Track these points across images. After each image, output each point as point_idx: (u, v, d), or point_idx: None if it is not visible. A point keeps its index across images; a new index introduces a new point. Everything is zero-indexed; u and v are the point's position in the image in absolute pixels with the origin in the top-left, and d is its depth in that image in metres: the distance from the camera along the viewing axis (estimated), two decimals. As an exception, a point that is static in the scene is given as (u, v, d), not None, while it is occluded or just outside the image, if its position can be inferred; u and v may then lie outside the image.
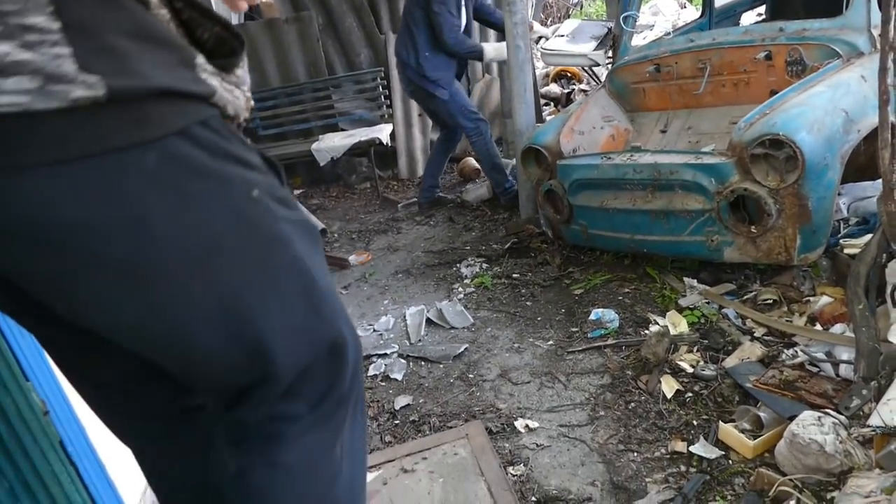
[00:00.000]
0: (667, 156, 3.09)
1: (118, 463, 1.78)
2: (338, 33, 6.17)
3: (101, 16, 0.79)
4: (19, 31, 0.73)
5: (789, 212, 2.75)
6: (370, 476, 1.88)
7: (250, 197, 0.92)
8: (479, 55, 4.56)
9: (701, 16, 4.61)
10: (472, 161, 5.79)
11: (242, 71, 0.97)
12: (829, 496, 1.88)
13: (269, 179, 0.98)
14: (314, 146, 5.70)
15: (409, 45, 4.48)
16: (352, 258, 4.54)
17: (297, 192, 5.55)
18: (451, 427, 2.49)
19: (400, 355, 3.26)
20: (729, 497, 2.08)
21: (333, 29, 6.15)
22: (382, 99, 6.09)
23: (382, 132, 5.68)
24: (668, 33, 4.12)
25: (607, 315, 3.17)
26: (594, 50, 4.45)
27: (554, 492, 2.24)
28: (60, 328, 0.99)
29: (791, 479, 1.95)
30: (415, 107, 6.01)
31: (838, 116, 2.73)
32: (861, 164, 3.03)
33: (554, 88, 6.91)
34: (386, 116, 6.12)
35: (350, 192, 6.12)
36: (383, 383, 3.09)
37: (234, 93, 0.94)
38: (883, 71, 1.83)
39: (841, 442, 1.89)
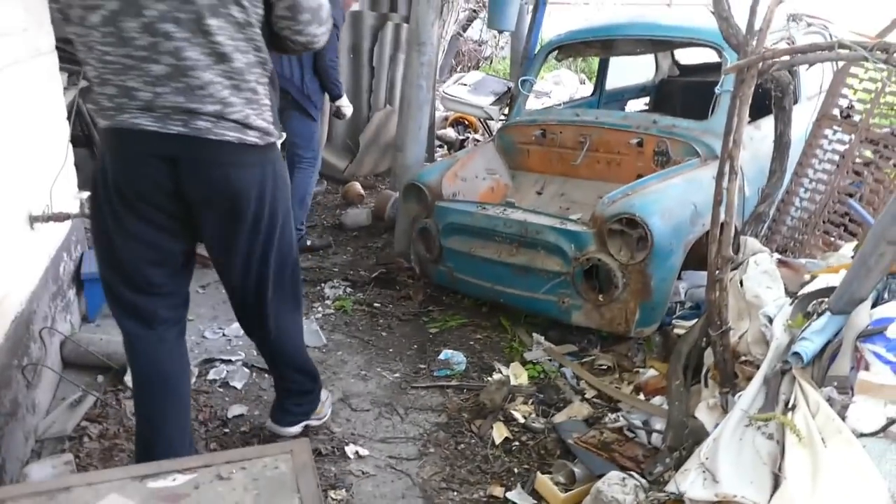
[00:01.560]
0: (536, 216, 3.26)
1: None
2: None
3: (272, 96, 2.10)
4: (257, 106, 2.02)
5: (634, 287, 2.98)
6: (182, 479, 1.83)
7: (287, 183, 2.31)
8: (339, 89, 4.47)
9: (592, 94, 4.94)
10: (357, 186, 5.81)
11: None
12: (620, 553, 2.01)
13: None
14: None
15: (296, 63, 4.37)
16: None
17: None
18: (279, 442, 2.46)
19: (245, 364, 3.19)
20: (532, 544, 2.18)
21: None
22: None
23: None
24: (560, 104, 4.38)
25: (456, 357, 3.26)
26: (491, 104, 4.65)
27: (369, 519, 2.26)
28: (187, 238, 2.20)
29: (590, 534, 2.08)
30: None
31: (688, 208, 3.00)
32: (703, 255, 3.33)
33: (450, 132, 7.11)
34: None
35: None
36: (221, 389, 3.02)
37: None
38: (720, 175, 2.06)
39: (639, 502, 2.04)
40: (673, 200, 2.99)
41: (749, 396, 1.78)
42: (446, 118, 7.45)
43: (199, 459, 1.96)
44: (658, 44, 4.30)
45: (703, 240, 3.14)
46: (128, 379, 2.95)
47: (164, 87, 1.91)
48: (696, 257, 3.22)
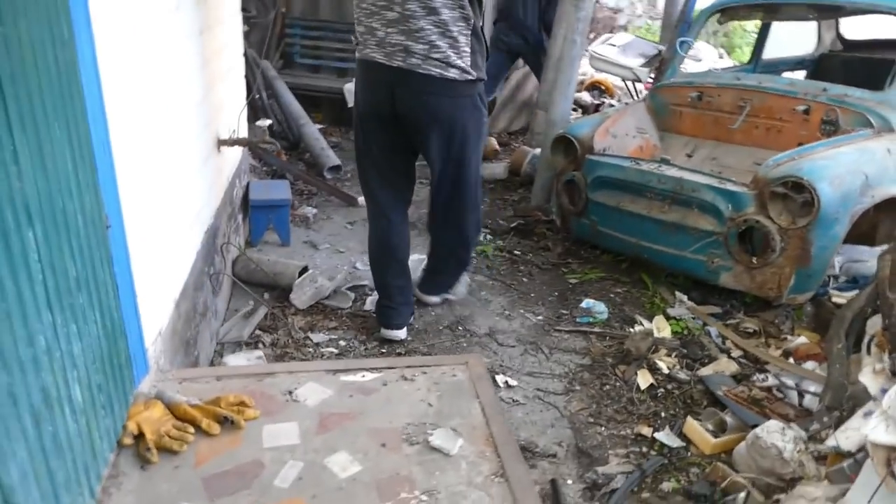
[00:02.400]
0: (693, 174, 3.25)
1: (146, 297, 1.89)
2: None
3: (475, 45, 2.65)
4: (457, 51, 2.61)
5: (791, 252, 2.94)
6: (371, 376, 2.01)
7: (484, 116, 2.88)
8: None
9: (748, 62, 4.79)
10: (492, 141, 5.91)
11: None
12: (775, 497, 2.05)
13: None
14: (347, 86, 5.75)
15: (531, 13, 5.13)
16: (360, 199, 4.63)
17: (318, 126, 5.61)
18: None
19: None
20: (682, 481, 2.25)
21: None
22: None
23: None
24: (716, 70, 4.28)
25: (598, 306, 3.33)
26: (641, 66, 4.60)
27: (522, 442, 2.39)
28: (407, 153, 2.92)
29: (745, 476, 2.13)
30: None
31: (859, 178, 2.91)
32: (862, 231, 3.23)
33: (585, 96, 7.06)
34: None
35: (368, 141, 6.20)
36: (375, 315, 3.21)
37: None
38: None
39: (798, 452, 2.07)
40: (843, 168, 2.91)
41: (936, 354, 1.77)
42: (581, 81, 7.40)
43: (384, 361, 2.16)
44: (829, 10, 4.11)
45: (868, 213, 3.05)
46: (293, 297, 3.22)
47: (393, 29, 2.59)
48: (855, 232, 3.13)
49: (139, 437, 1.66)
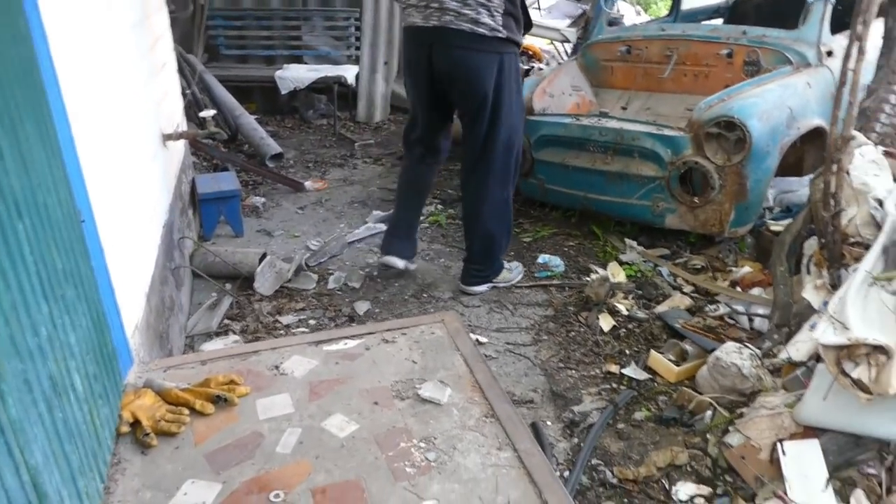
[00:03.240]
0: (631, 124, 3.39)
1: (122, 291, 1.91)
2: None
3: (510, 8, 2.82)
4: (488, 10, 2.78)
5: (730, 188, 3.11)
6: (353, 343, 2.08)
7: (516, 82, 3.03)
8: None
9: (669, 15, 4.96)
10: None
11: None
12: (738, 411, 2.22)
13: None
14: (278, 73, 5.73)
15: None
16: (307, 184, 4.65)
17: (253, 116, 5.56)
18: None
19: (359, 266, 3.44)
20: (653, 409, 2.40)
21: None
22: (353, 40, 6.17)
23: (348, 72, 5.77)
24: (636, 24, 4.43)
25: (554, 260, 3.46)
26: (568, 26, 4.72)
27: (500, 393, 2.49)
28: (442, 112, 3.17)
29: (709, 396, 2.29)
30: (381, 52, 6.13)
31: (784, 112, 3.10)
32: (790, 163, 3.44)
33: (514, 63, 7.16)
34: (353, 58, 6.20)
35: (306, 126, 6.18)
36: (340, 292, 3.26)
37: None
38: (846, 57, 2.15)
39: (755, 368, 2.24)
40: (770, 104, 3.09)
41: (870, 262, 1.93)
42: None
43: (363, 328, 2.21)
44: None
45: (794, 145, 3.25)
46: (256, 286, 3.23)
47: None
48: (783, 165, 3.33)
49: (135, 424, 1.69)
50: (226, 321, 3.01)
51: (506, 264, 3.32)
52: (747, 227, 3.25)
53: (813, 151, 3.45)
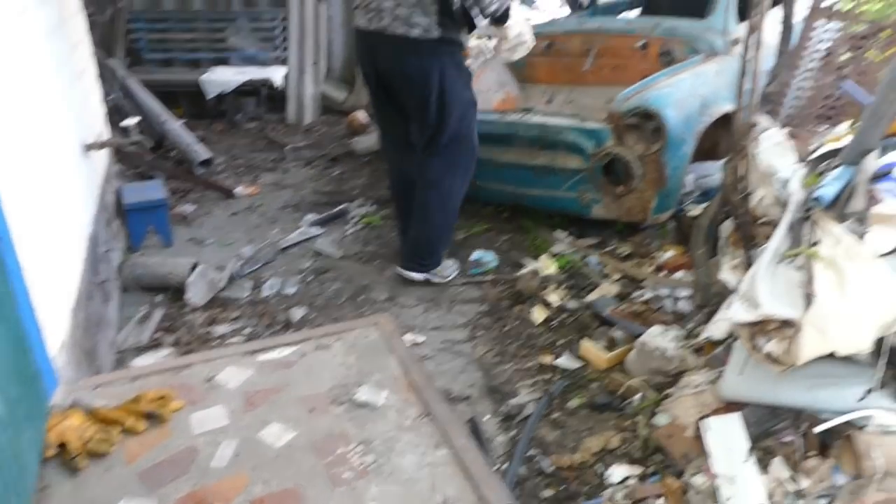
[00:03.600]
0: (555, 118, 3.48)
1: (44, 309, 1.86)
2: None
3: (445, 9, 2.81)
4: (423, 12, 2.81)
5: (650, 176, 3.23)
6: (288, 351, 2.08)
7: (465, 72, 3.10)
8: None
9: (586, 7, 5.08)
10: (360, 115, 5.94)
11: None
12: (666, 392, 2.31)
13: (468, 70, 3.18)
14: (204, 77, 5.62)
15: None
16: (238, 189, 4.58)
17: (180, 122, 5.42)
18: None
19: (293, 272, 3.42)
20: (586, 396, 2.48)
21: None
22: (280, 41, 6.10)
23: (276, 74, 5.71)
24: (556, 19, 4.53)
25: (486, 256, 3.51)
26: (489, 24, 4.76)
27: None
28: (396, 107, 3.13)
29: (638, 380, 2.38)
30: (310, 53, 6.08)
31: (697, 100, 3.24)
32: (706, 148, 3.59)
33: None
34: (280, 59, 6.13)
35: (235, 130, 6.06)
36: (275, 300, 3.24)
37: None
38: (746, 47, 2.27)
39: (680, 348, 2.34)
40: (683, 93, 3.22)
41: (778, 240, 2.04)
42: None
43: (298, 336, 2.21)
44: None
45: (708, 131, 3.39)
46: (188, 297, 3.18)
47: None
48: (700, 150, 3.48)
49: (62, 447, 1.65)
50: (157, 334, 2.95)
51: (443, 261, 3.36)
52: (669, 213, 3.38)
53: (726, 136, 3.58)
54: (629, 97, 3.27)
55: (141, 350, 2.86)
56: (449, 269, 3.36)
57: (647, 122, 3.16)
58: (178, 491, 1.56)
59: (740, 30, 3.72)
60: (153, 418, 1.76)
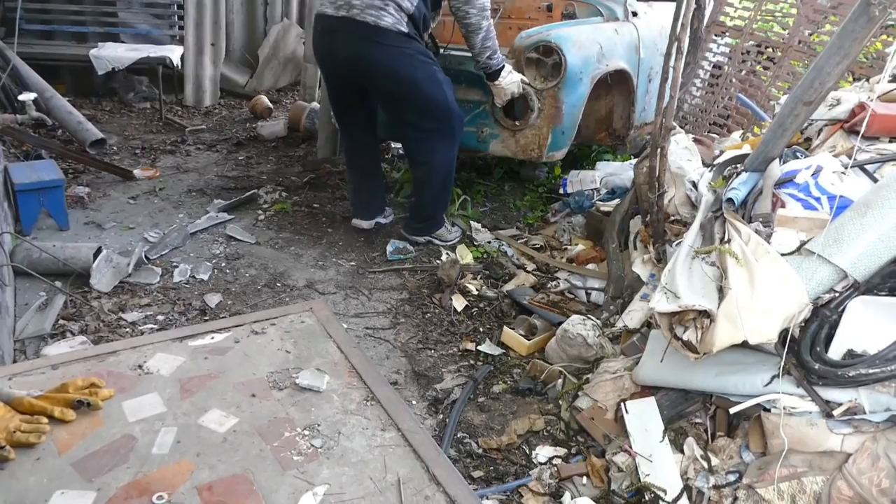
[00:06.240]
0: (457, 50, 3.63)
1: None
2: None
3: (416, 15, 3.09)
4: (395, 5, 3.02)
5: (547, 112, 3.44)
6: (220, 336, 2.03)
7: (427, 62, 3.19)
8: None
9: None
10: (264, 99, 5.80)
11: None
12: (585, 377, 2.44)
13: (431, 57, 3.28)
14: (93, 52, 5.28)
15: None
16: (137, 171, 4.36)
17: (65, 99, 5.07)
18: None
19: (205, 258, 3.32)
20: (509, 382, 2.57)
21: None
22: (176, 19, 5.83)
23: (173, 53, 5.46)
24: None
25: (406, 245, 3.55)
26: None
27: (364, 377, 2.55)
28: (366, 100, 3.39)
29: (559, 366, 2.50)
30: (208, 33, 5.86)
31: (595, 46, 3.53)
32: (602, 116, 3.92)
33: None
34: (177, 38, 5.86)
35: (127, 110, 5.75)
36: (188, 285, 3.14)
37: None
38: (667, 55, 2.43)
39: (598, 336, 2.47)
40: (583, 37, 3.50)
41: (691, 237, 2.21)
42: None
43: (230, 321, 2.15)
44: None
45: (603, 96, 3.62)
46: (93, 282, 3.02)
47: None
48: (598, 116, 3.77)
49: (-15, 439, 1.55)
50: (61, 322, 2.79)
51: (447, 224, 3.60)
52: (562, 152, 3.63)
53: (621, 103, 3.89)
54: (531, 35, 3.46)
55: (44, 339, 2.69)
56: (452, 232, 3.61)
57: (547, 57, 3.37)
58: (118, 479, 1.50)
59: (636, 6, 4.01)
60: (84, 407, 1.68)
